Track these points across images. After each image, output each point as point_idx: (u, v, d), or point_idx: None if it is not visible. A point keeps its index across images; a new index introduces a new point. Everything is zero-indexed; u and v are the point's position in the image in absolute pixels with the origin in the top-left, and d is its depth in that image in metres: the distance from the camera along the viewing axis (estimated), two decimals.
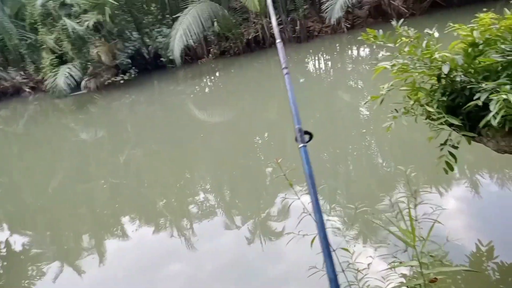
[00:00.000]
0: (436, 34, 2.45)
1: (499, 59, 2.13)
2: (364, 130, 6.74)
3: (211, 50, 18.25)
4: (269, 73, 14.39)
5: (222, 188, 6.16)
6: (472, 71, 2.29)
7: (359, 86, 10.20)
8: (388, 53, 2.59)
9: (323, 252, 1.05)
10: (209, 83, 15.81)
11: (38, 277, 4.70)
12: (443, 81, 2.38)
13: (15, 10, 19.83)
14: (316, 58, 15.78)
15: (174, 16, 16.54)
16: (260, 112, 9.84)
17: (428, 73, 2.39)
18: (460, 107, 2.32)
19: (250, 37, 17.64)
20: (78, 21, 16.23)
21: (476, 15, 2.36)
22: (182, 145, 8.59)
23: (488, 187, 4.14)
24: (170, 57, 16.13)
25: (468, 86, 2.26)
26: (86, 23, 15.93)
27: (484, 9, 2.41)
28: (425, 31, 2.49)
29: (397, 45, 2.50)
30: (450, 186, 4.19)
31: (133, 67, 16.97)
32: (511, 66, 2.14)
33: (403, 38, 2.47)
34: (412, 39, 2.45)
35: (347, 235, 3.69)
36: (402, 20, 2.53)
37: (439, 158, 2.40)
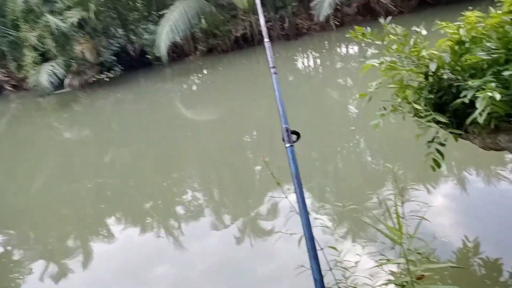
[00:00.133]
0: (424, 32, 2.45)
1: (485, 57, 2.15)
2: (353, 128, 6.77)
3: (199, 47, 18.11)
4: (257, 70, 14.35)
5: (210, 187, 6.10)
6: (459, 68, 2.31)
7: (348, 84, 10.25)
8: (376, 51, 2.59)
9: (308, 253, 1.03)
10: (196, 81, 15.66)
11: (20, 280, 4.56)
12: (431, 79, 2.39)
13: None
14: (305, 55, 15.81)
15: (160, 13, 16.33)
16: (249, 111, 9.79)
17: (416, 71, 2.39)
18: (447, 104, 2.33)
19: (238, 34, 17.56)
20: (61, 17, 15.87)
21: (463, 13, 2.37)
22: (169, 144, 8.48)
23: (475, 184, 4.20)
24: (157, 54, 15.94)
25: (455, 84, 2.27)
26: (70, 19, 15.58)
27: (470, 8, 2.42)
28: (413, 28, 2.49)
29: (385, 43, 2.50)
30: (437, 183, 4.23)
31: (118, 65, 16.71)
32: (496, 64, 2.15)
33: (391, 36, 2.47)
34: (400, 37, 2.45)
35: (335, 233, 3.70)
36: (389, 17, 2.53)
37: (427, 155, 2.41)
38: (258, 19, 16.23)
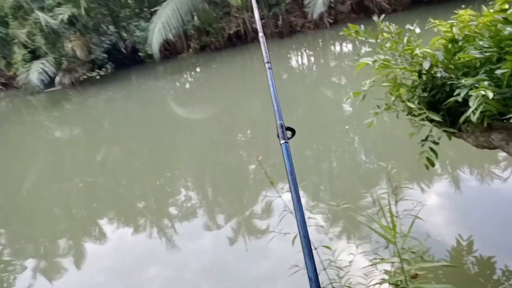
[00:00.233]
0: (417, 30, 2.45)
1: (478, 56, 2.15)
2: (347, 126, 6.78)
3: (191, 44, 17.97)
4: (251, 68, 14.30)
5: (203, 186, 6.06)
6: (452, 67, 2.30)
7: (342, 82, 10.26)
8: (370, 49, 2.57)
9: (303, 252, 1.01)
10: (189, 79, 15.56)
11: (11, 280, 4.48)
12: (424, 77, 2.38)
13: None
14: (299, 53, 15.79)
15: (152, 10, 16.18)
16: (243, 108, 9.75)
17: (410, 69, 2.38)
18: (440, 103, 2.33)
19: (231, 32, 17.47)
20: (51, 14, 15.62)
21: (456, 11, 2.37)
22: (162, 143, 8.41)
23: (468, 182, 4.23)
24: (149, 52, 15.79)
25: (448, 82, 2.27)
26: (60, 16, 15.35)
27: (463, 6, 2.42)
28: (407, 26, 2.48)
29: (378, 41, 2.49)
30: (431, 182, 4.25)
31: (110, 62, 16.52)
32: (489, 63, 2.15)
33: (385, 34, 2.46)
34: (393, 35, 2.44)
35: (329, 232, 3.69)
36: (383, 15, 2.51)
37: (420, 154, 2.41)
38: (251, 16, 16.15)
